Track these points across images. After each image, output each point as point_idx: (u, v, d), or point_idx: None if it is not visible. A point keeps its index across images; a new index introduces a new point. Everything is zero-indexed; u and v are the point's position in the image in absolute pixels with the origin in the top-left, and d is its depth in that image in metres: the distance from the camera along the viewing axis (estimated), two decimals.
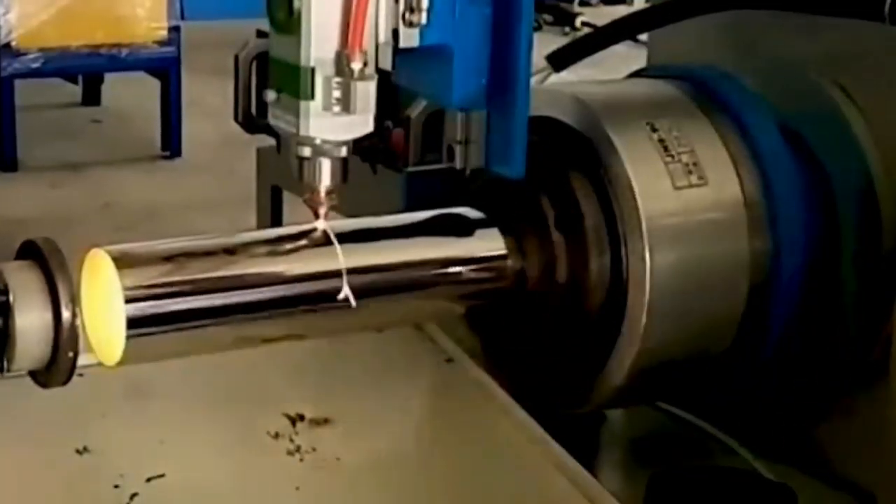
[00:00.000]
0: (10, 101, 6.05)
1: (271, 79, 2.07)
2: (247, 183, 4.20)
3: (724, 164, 2.36)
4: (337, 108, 1.99)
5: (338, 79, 1.98)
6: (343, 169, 2.07)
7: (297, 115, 2.00)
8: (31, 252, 1.93)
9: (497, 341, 2.48)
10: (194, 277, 2.01)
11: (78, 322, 1.89)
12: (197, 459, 2.08)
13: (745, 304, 2.36)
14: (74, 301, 1.88)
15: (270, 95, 2.06)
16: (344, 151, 2.06)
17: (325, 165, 2.06)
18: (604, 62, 2.99)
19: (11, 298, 1.87)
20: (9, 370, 1.91)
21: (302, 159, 2.06)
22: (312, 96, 1.98)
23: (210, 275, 2.03)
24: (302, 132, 2.01)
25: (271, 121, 2.08)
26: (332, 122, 2.01)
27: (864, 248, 2.43)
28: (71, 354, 1.89)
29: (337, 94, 1.98)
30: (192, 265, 2.03)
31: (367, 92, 1.99)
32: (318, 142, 2.03)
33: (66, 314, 1.87)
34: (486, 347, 2.50)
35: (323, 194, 2.07)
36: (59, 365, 1.90)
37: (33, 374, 1.96)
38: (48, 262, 1.89)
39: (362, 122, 2.02)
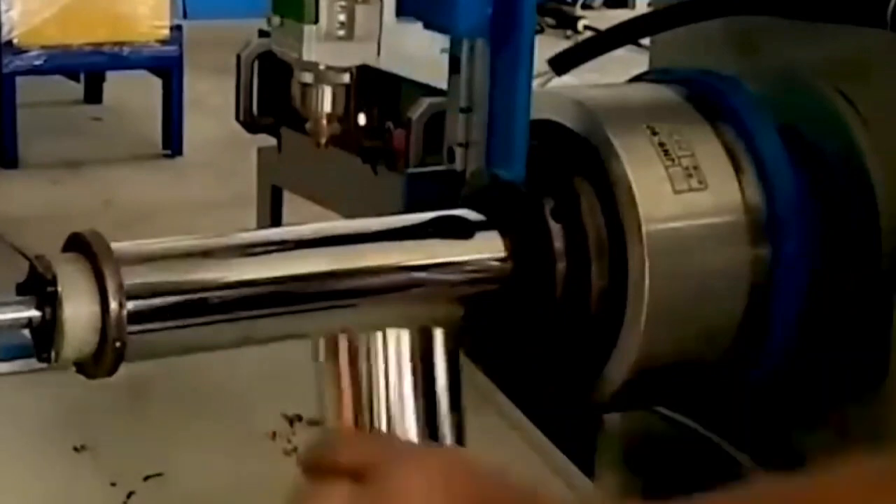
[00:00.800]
0: (11, 99, 6.07)
1: (275, 4, 2.06)
2: (247, 182, 4.21)
3: (724, 168, 2.36)
4: (341, 33, 1.97)
5: (342, 2, 1.97)
6: (346, 96, 2.06)
7: (299, 39, 1.99)
8: (78, 244, 1.95)
9: (495, 344, 2.48)
10: (194, 275, 2.02)
11: (124, 313, 1.89)
12: (194, 458, 2.08)
13: (744, 309, 2.36)
14: (122, 292, 1.89)
15: (274, 21, 2.05)
16: (346, 78, 2.05)
17: (328, 92, 2.04)
18: (606, 66, 2.99)
19: (60, 289, 1.87)
20: (56, 360, 1.93)
21: (304, 85, 2.05)
22: (316, 20, 1.97)
23: (210, 273, 2.03)
24: (304, 57, 1.99)
25: (274, 47, 2.07)
26: (336, 47, 1.99)
27: (864, 250, 2.43)
28: (119, 345, 1.90)
29: (341, 17, 1.97)
30: (191, 263, 2.03)
31: (370, 16, 1.97)
32: (321, 67, 2.01)
33: (113, 304, 1.89)
34: (477, 349, 2.49)
35: (325, 122, 2.06)
36: (106, 355, 1.91)
37: (79, 366, 1.97)
38: (95, 253, 1.91)
39: (366, 49, 2.00)
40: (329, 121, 2.02)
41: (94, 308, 1.90)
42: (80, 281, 1.90)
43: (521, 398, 2.34)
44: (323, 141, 2.05)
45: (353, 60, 2.01)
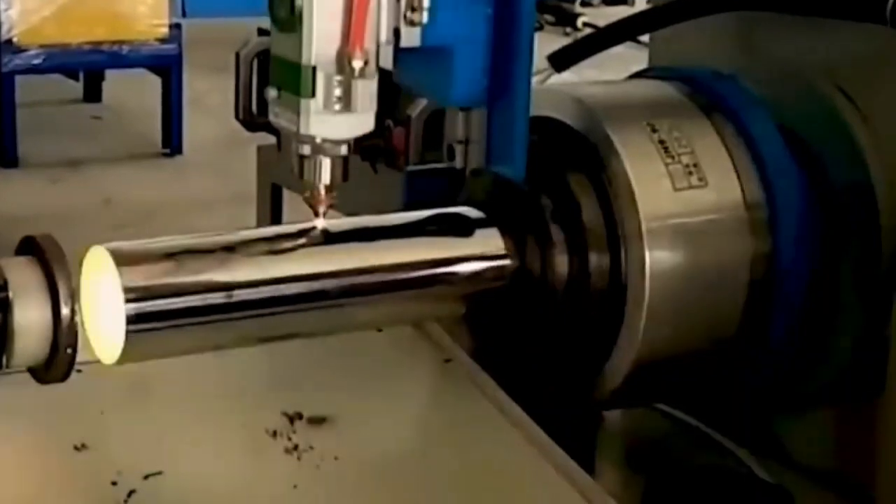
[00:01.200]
0: (10, 98, 6.06)
1: (272, 76, 2.07)
2: (247, 181, 4.20)
3: (724, 165, 2.36)
4: (338, 107, 1.99)
5: (339, 77, 1.98)
6: (343, 167, 2.07)
7: (297, 113, 2.01)
8: (31, 248, 1.93)
9: (496, 341, 2.48)
10: (194, 275, 2.01)
11: (77, 319, 1.89)
12: (195, 457, 2.08)
13: (744, 306, 2.36)
14: (74, 298, 1.88)
15: (271, 93, 2.06)
16: (344, 150, 2.06)
17: (326, 164, 2.06)
18: (605, 63, 3.00)
19: (11, 295, 1.87)
20: (8, 366, 1.92)
21: (302, 157, 2.06)
22: (313, 94, 1.98)
23: (210, 273, 2.03)
24: (302, 130, 2.01)
25: (272, 118, 2.08)
26: (333, 121, 2.01)
27: (864, 250, 2.43)
28: (70, 351, 1.89)
29: (338, 92, 1.99)
30: (191, 263, 2.03)
31: (368, 90, 1.99)
32: (318, 140, 2.03)
33: (65, 311, 1.87)
34: (479, 347, 2.49)
35: (323, 193, 2.07)
36: (57, 361, 1.90)
37: (32, 371, 1.96)
38: (48, 259, 1.89)
39: (363, 121, 2.02)
40: (327, 191, 2.04)
41: (45, 314, 1.88)
42: (32, 286, 1.88)
43: (522, 395, 2.34)
44: (322, 211, 2.07)
45: (351, 133, 2.03)
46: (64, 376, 1.93)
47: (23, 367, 1.94)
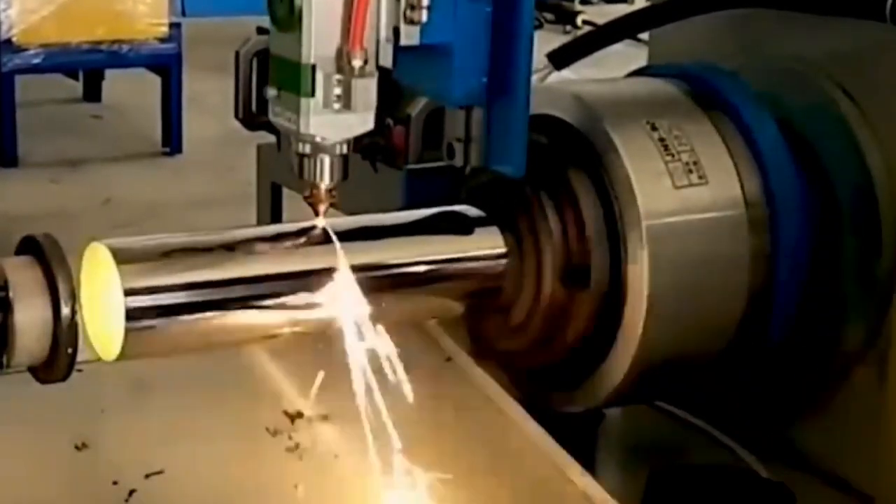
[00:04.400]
0: (10, 97, 6.05)
1: (272, 76, 2.07)
2: (247, 180, 4.20)
3: (724, 163, 2.36)
4: (337, 106, 1.99)
5: (338, 76, 1.98)
6: (343, 166, 2.06)
7: (297, 112, 2.00)
8: (31, 248, 1.93)
9: (495, 340, 2.48)
10: (194, 272, 2.01)
11: (77, 319, 1.89)
12: (196, 456, 2.08)
13: (744, 302, 2.36)
14: (74, 297, 1.88)
15: (271, 92, 2.06)
16: (344, 149, 2.06)
17: (325, 162, 2.05)
18: (604, 61, 2.99)
19: (11, 294, 1.87)
20: (8, 366, 1.92)
21: (302, 156, 2.06)
22: (313, 94, 1.98)
23: (209, 270, 2.03)
24: (302, 129, 2.01)
25: (272, 118, 2.08)
26: (333, 120, 2.01)
27: (864, 247, 2.43)
28: (70, 350, 1.89)
29: (337, 91, 1.98)
30: (191, 260, 2.03)
31: (367, 89, 1.98)
32: (318, 139, 2.03)
33: (65, 310, 1.87)
34: (478, 346, 2.49)
35: (323, 191, 2.07)
36: (58, 361, 1.90)
37: (32, 370, 1.96)
38: (48, 258, 1.89)
39: (363, 120, 2.02)
40: (328, 190, 2.04)
41: (45, 314, 1.88)
42: (32, 286, 1.88)
43: (522, 393, 2.34)
44: (322, 210, 2.07)
45: (351, 132, 2.02)
46: (64, 376, 1.93)
47: (23, 366, 1.94)
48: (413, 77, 2.16)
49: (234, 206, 4.82)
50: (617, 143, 2.30)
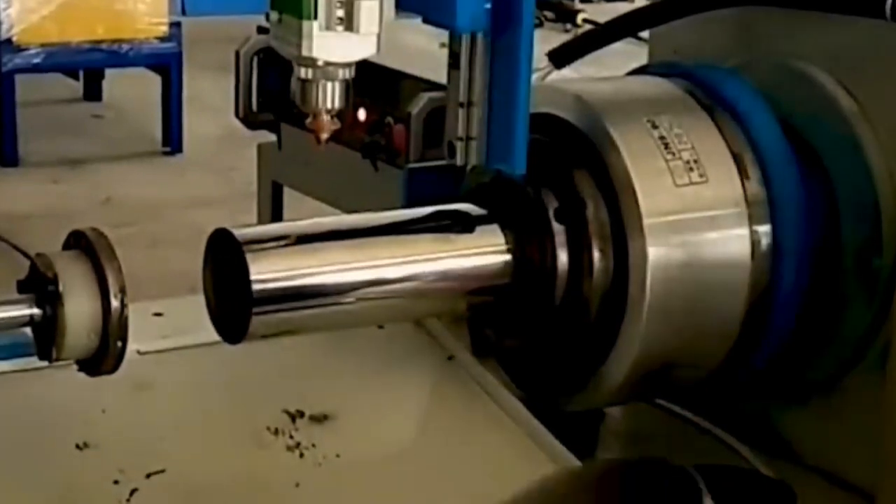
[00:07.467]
0: (11, 97, 6.06)
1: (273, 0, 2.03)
2: (247, 179, 4.20)
3: (725, 161, 2.36)
4: (340, 28, 1.95)
5: None
6: (346, 92, 2.04)
7: (298, 35, 1.97)
8: (79, 242, 1.95)
9: (496, 338, 2.48)
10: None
11: (126, 312, 1.89)
12: (197, 455, 2.08)
13: (746, 302, 2.36)
14: (123, 290, 1.89)
15: (273, 17, 2.03)
16: (348, 73, 2.02)
17: (328, 88, 2.02)
18: (605, 59, 2.99)
19: (61, 288, 1.88)
20: (57, 359, 1.93)
21: (304, 81, 2.03)
22: (315, 15, 1.95)
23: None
24: (304, 52, 1.96)
25: (273, 43, 2.05)
26: (335, 42, 1.96)
27: (865, 246, 2.43)
28: (120, 343, 1.90)
29: (340, 13, 1.95)
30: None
31: (371, 10, 1.95)
32: (320, 63, 1.99)
33: (114, 303, 1.88)
34: (477, 344, 2.49)
35: (325, 118, 2.04)
36: (107, 354, 1.91)
37: (81, 363, 1.97)
38: (97, 252, 1.92)
39: (366, 43, 1.97)
40: (330, 117, 2.01)
41: (95, 306, 1.90)
42: (82, 279, 1.91)
43: (523, 392, 2.34)
44: (324, 137, 2.04)
45: (353, 56, 1.98)
46: (113, 369, 1.95)
47: (72, 359, 1.95)
48: (417, 4, 2.13)
49: (234, 204, 4.83)
50: (617, 141, 2.30)
